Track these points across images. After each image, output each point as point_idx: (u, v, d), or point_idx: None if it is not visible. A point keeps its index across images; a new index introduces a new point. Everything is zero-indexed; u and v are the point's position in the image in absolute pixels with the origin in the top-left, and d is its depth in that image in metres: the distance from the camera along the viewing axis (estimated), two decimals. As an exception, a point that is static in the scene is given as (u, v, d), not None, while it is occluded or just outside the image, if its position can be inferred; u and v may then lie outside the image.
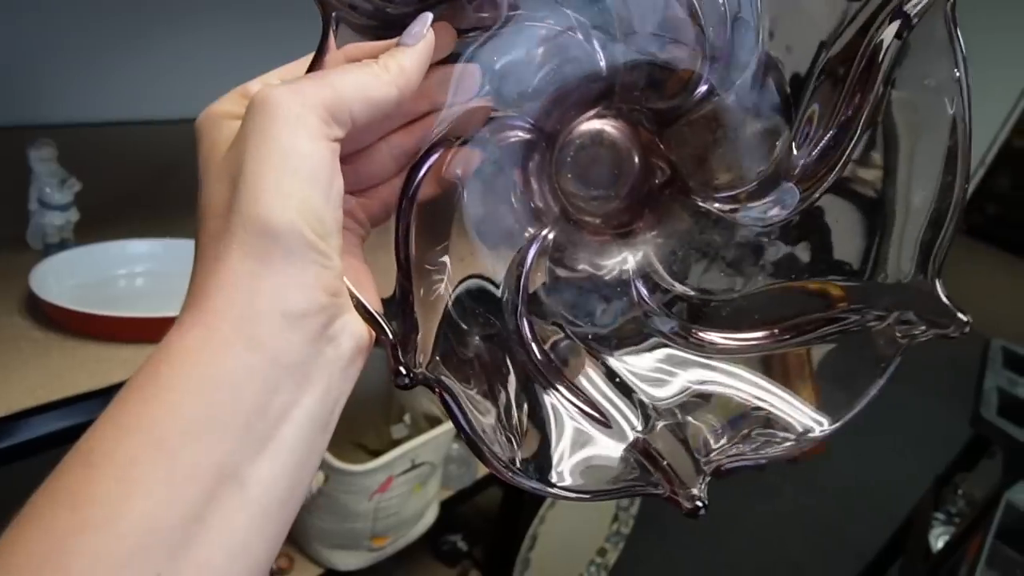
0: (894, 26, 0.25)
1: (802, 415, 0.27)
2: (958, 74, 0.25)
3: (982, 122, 3.21)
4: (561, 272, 0.31)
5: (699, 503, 0.23)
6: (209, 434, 0.19)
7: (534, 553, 1.35)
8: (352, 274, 0.22)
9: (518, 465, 0.25)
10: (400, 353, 0.22)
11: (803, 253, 0.30)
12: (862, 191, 0.28)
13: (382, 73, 0.22)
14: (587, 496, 0.25)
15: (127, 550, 0.17)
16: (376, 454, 0.94)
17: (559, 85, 0.29)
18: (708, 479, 0.24)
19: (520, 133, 0.29)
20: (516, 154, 0.30)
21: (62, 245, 0.77)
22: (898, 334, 0.26)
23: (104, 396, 0.58)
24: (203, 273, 0.20)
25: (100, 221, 0.79)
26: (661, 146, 0.32)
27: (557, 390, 0.28)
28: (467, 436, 0.24)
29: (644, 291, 0.31)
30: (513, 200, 0.30)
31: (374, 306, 0.23)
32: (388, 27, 0.23)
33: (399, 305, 0.25)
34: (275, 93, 0.20)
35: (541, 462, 0.26)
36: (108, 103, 0.93)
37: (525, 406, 0.27)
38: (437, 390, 0.23)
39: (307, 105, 0.20)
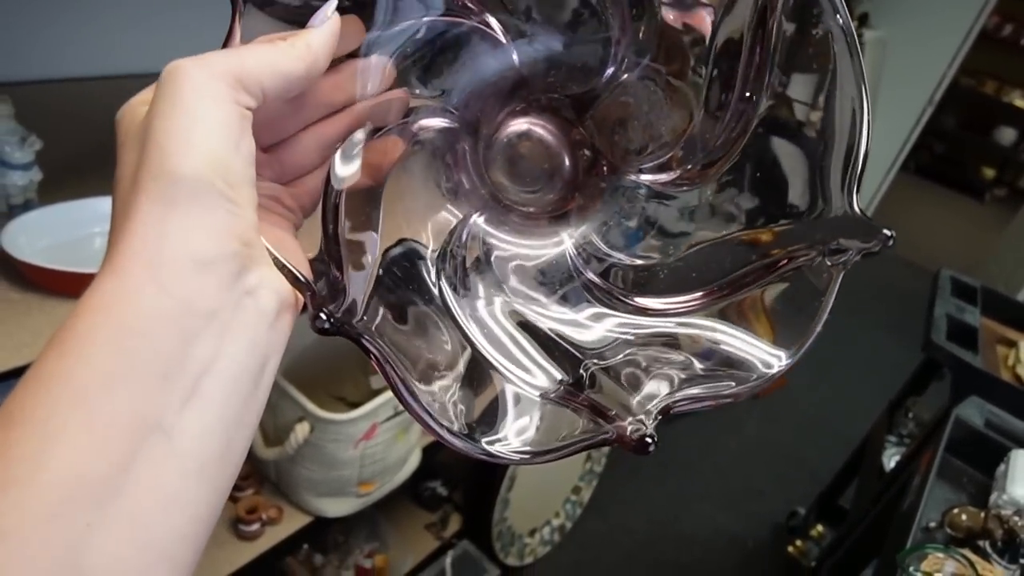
0: None
1: (760, 351, 0.27)
2: (840, 19, 0.27)
3: (929, 62, 3.27)
4: (495, 251, 0.32)
5: (647, 439, 0.24)
6: (127, 383, 0.19)
7: (512, 493, 1.40)
8: (281, 244, 0.23)
9: (456, 429, 0.25)
10: (317, 299, 0.23)
11: (732, 207, 0.31)
12: (778, 139, 0.30)
13: (289, 49, 0.23)
14: (529, 457, 0.26)
15: (54, 502, 0.17)
16: (356, 406, 0.96)
17: (475, 76, 0.30)
18: (659, 418, 0.25)
19: (442, 122, 0.30)
20: (441, 142, 0.31)
21: (27, 206, 0.75)
22: (829, 263, 0.27)
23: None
24: (115, 228, 0.21)
25: (65, 180, 0.77)
26: (583, 131, 0.33)
27: (493, 357, 0.29)
28: (399, 395, 0.24)
29: (580, 263, 0.33)
30: (441, 186, 0.31)
31: (295, 264, 0.23)
32: (297, 19, 0.24)
33: (323, 263, 0.26)
34: (183, 63, 0.21)
35: (482, 426, 0.26)
36: (65, 59, 0.89)
37: (463, 372, 0.28)
38: (364, 341, 0.23)
39: (214, 74, 0.21)
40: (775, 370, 0.27)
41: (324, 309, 0.22)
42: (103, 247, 0.73)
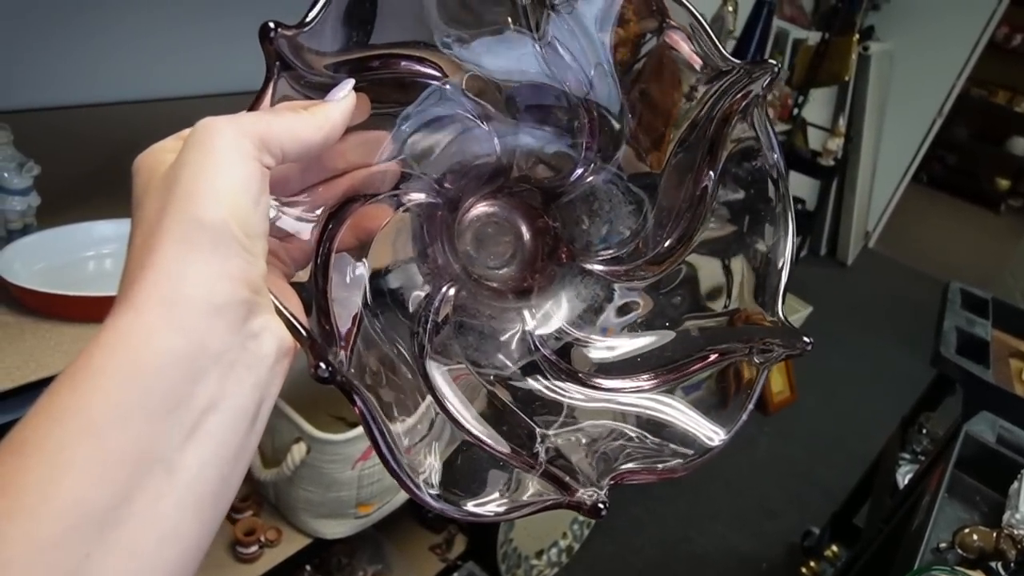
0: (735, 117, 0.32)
1: (703, 428, 0.31)
2: (775, 157, 0.32)
3: (936, 74, 3.25)
4: (464, 320, 0.34)
5: (600, 506, 0.26)
6: (136, 418, 0.19)
7: (519, 514, 1.38)
8: (281, 294, 0.24)
9: (424, 485, 0.26)
10: (317, 349, 0.24)
11: (679, 303, 0.35)
12: (716, 251, 0.34)
13: (310, 119, 0.25)
14: (493, 516, 0.28)
15: (58, 531, 0.18)
16: (355, 425, 0.96)
17: (460, 157, 0.33)
18: (610, 485, 0.28)
19: (428, 195, 0.33)
20: (422, 213, 0.33)
21: (24, 230, 0.76)
22: (758, 361, 0.31)
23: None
24: (132, 267, 0.21)
25: (62, 204, 0.78)
26: (547, 220, 0.37)
27: (463, 421, 0.30)
28: (378, 450, 0.25)
29: (539, 340, 0.35)
30: (419, 254, 0.34)
31: (293, 312, 0.25)
32: (318, 90, 0.27)
33: (316, 316, 0.28)
34: (216, 120, 0.22)
35: (450, 486, 0.27)
36: (62, 87, 0.91)
37: (434, 429, 0.30)
38: (355, 395, 0.24)
39: (244, 133, 0.22)
40: (716, 444, 0.30)
41: (324, 359, 0.23)
42: (96, 271, 0.74)
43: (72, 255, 0.72)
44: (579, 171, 0.35)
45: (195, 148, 0.22)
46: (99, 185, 0.84)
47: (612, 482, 0.28)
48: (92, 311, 0.63)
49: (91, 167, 0.86)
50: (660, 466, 0.29)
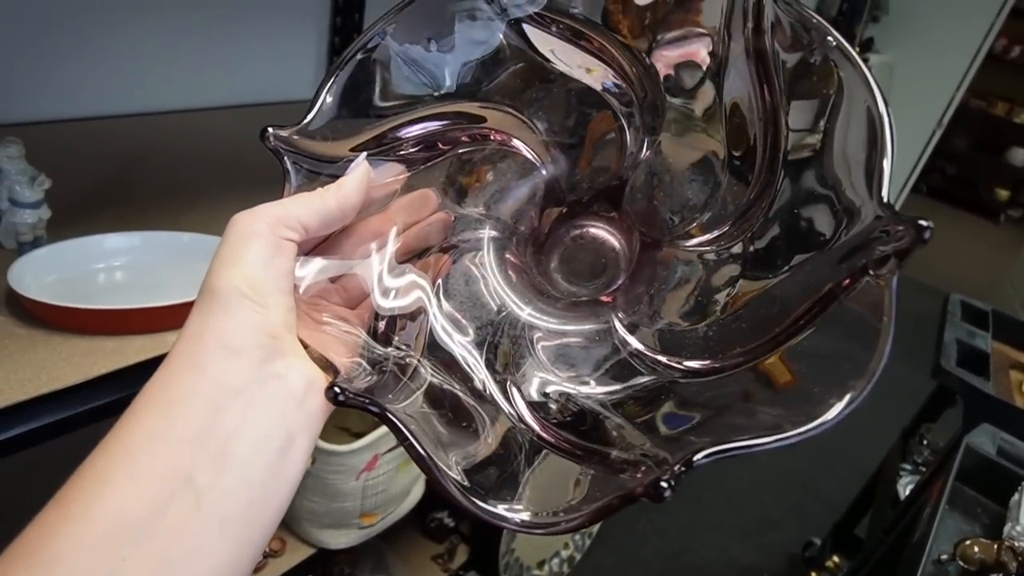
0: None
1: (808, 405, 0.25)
2: (832, 40, 0.28)
3: (936, 85, 3.27)
4: (539, 338, 0.34)
5: (667, 487, 0.23)
6: (163, 442, 0.23)
7: (521, 524, 1.38)
8: (324, 346, 0.27)
9: (472, 489, 0.26)
10: (334, 375, 0.26)
11: (772, 254, 0.31)
12: (806, 168, 0.29)
13: (324, 193, 0.29)
14: (546, 528, 0.25)
15: (99, 534, 0.21)
16: (360, 436, 0.96)
17: (507, 187, 0.34)
18: (682, 469, 0.24)
19: (483, 232, 0.34)
20: (489, 248, 0.35)
21: (35, 243, 0.76)
22: (872, 274, 0.25)
23: (91, 388, 0.59)
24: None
25: (73, 217, 0.79)
26: (630, 218, 0.35)
27: (545, 441, 0.29)
28: (419, 460, 0.25)
29: (625, 336, 0.33)
30: (486, 288, 0.34)
31: (330, 359, 0.27)
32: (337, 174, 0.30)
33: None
34: (239, 214, 0.27)
35: (504, 492, 0.26)
36: (73, 100, 0.92)
37: (493, 448, 0.29)
38: (372, 408, 0.25)
39: (258, 218, 0.27)
40: (841, 407, 0.26)
41: (337, 384, 0.25)
42: (107, 283, 0.75)
43: (83, 267, 0.73)
44: (629, 154, 0.34)
45: (223, 240, 0.27)
46: (110, 197, 0.85)
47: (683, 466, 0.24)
48: (103, 323, 0.64)
49: (102, 179, 0.87)
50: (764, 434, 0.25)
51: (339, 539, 1.01)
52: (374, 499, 0.99)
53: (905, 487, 1.48)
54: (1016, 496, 0.91)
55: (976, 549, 0.82)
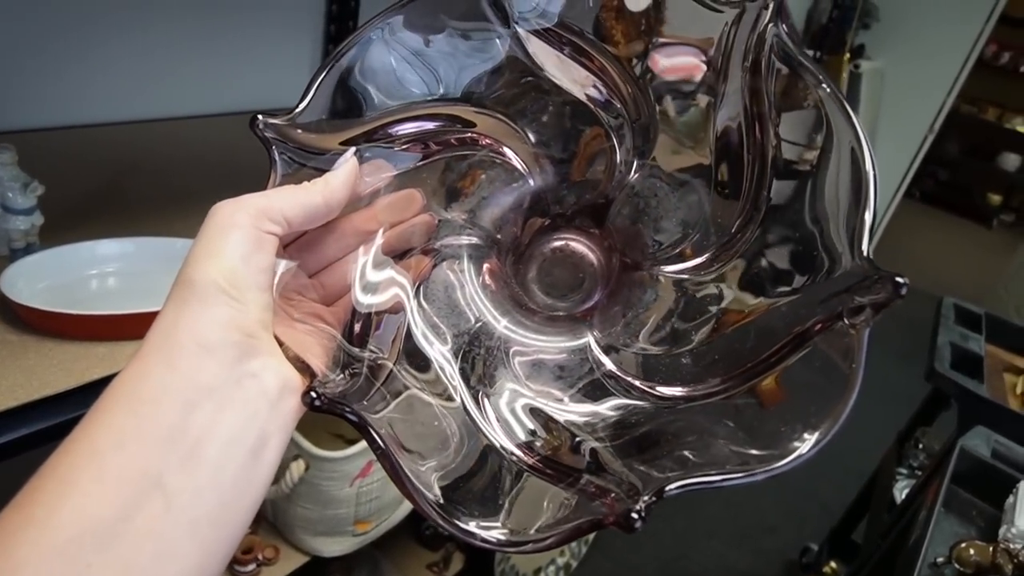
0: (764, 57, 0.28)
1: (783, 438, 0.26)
2: (826, 89, 0.27)
3: (927, 91, 3.29)
4: (514, 351, 0.34)
5: (637, 519, 0.24)
6: (133, 442, 0.22)
7: (517, 531, 1.38)
8: (301, 345, 0.27)
9: (442, 505, 0.26)
10: (310, 379, 0.26)
11: (753, 285, 0.31)
12: (791, 208, 0.30)
13: (310, 187, 0.28)
14: (524, 546, 0.25)
15: (63, 540, 0.20)
16: (354, 442, 0.96)
17: (493, 195, 0.34)
18: (653, 499, 0.25)
19: (465, 239, 0.34)
20: (469, 255, 0.34)
21: (28, 249, 0.76)
22: (847, 322, 0.25)
23: (83, 394, 0.59)
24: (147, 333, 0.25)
25: (65, 224, 0.78)
26: (612, 236, 0.36)
27: (515, 455, 0.29)
28: (391, 472, 0.25)
29: (600, 356, 0.33)
30: (463, 296, 0.34)
31: (307, 360, 0.26)
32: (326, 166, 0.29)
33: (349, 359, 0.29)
34: (222, 203, 0.26)
35: (476, 508, 0.26)
36: (66, 107, 0.92)
37: (460, 461, 0.29)
38: (348, 415, 0.25)
39: (241, 208, 0.26)
40: (806, 448, 0.26)
41: (314, 389, 0.25)
42: (99, 289, 0.74)
43: (75, 274, 0.73)
44: (617, 174, 0.34)
45: (202, 228, 0.26)
46: (102, 204, 0.84)
47: (654, 496, 0.25)
48: (95, 329, 0.64)
49: (95, 186, 0.87)
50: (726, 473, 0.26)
51: (333, 547, 1.00)
52: (368, 506, 0.99)
53: (901, 491, 1.48)
54: (1011, 498, 0.91)
55: (972, 552, 0.82)
